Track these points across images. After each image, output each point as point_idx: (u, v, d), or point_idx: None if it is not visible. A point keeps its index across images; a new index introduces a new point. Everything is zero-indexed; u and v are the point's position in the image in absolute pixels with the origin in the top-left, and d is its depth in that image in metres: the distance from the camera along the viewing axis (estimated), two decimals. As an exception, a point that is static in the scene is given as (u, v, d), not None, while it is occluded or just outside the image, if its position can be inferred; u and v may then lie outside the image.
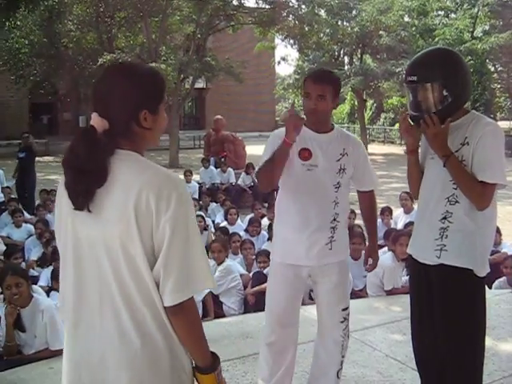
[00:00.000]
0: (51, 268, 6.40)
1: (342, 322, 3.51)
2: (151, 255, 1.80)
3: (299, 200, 3.38)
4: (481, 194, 2.79)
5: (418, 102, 2.90)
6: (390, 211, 9.55)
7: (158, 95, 1.96)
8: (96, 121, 1.86)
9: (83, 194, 1.81)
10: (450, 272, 2.87)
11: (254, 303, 6.23)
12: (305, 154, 3.36)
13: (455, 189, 2.86)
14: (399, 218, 9.47)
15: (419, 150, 3.12)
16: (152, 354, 1.82)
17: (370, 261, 3.78)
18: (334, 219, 3.42)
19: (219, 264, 6.45)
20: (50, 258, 6.91)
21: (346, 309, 3.54)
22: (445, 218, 2.90)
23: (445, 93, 2.81)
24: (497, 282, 6.71)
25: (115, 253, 1.80)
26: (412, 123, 2.99)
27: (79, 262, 1.88)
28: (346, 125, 41.74)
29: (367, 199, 3.70)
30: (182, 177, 12.98)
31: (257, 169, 3.51)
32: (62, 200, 1.91)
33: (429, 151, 3.01)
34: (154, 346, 1.82)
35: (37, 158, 14.04)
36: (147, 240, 1.79)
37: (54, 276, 5.54)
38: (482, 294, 2.93)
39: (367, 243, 4.03)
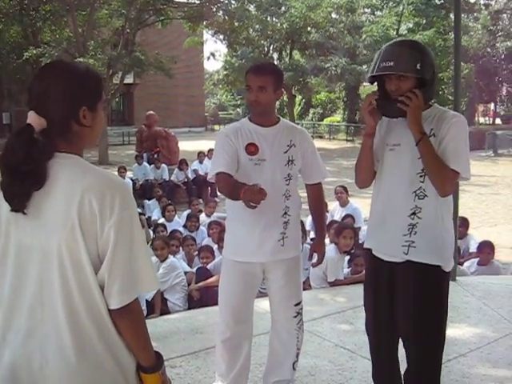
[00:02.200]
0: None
1: (295, 316, 3.54)
2: (96, 259, 1.77)
3: None
4: (449, 179, 2.77)
5: (389, 90, 2.86)
6: (326, 205, 9.70)
7: (97, 92, 1.94)
8: (33, 119, 1.81)
9: (19, 196, 1.76)
10: (417, 269, 2.83)
11: (198, 299, 6.22)
12: (251, 149, 3.35)
13: (422, 182, 2.81)
14: (335, 212, 9.64)
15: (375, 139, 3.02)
16: (95, 359, 1.79)
17: (315, 255, 3.77)
18: (286, 213, 3.42)
19: (162, 261, 6.40)
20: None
21: (299, 303, 3.55)
22: (414, 213, 2.84)
23: (417, 83, 2.78)
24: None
25: (60, 258, 1.75)
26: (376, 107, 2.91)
27: (20, 268, 1.83)
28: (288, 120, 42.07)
29: (316, 192, 3.70)
30: (116, 174, 12.83)
31: (216, 181, 3.42)
32: (1, 202, 1.84)
33: (387, 142, 2.96)
34: (96, 350, 1.79)
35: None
36: (92, 245, 1.76)
37: None
38: (447, 289, 2.93)
39: (311, 236, 4.02)
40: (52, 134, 1.81)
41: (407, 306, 2.88)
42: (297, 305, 3.54)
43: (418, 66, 2.75)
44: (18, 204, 1.76)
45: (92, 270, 1.76)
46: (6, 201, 1.79)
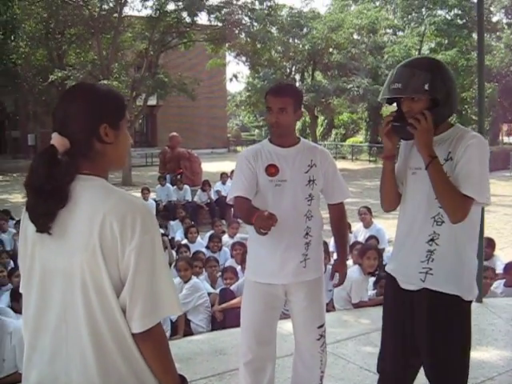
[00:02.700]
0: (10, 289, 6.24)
1: (318, 339, 3.50)
2: (118, 282, 1.78)
3: None
4: (460, 206, 2.61)
5: (402, 112, 2.78)
6: (349, 226, 9.63)
7: (119, 110, 1.96)
8: (57, 140, 1.84)
9: (43, 215, 1.78)
10: (434, 297, 2.72)
11: (221, 320, 6.19)
12: (271, 170, 3.35)
13: (440, 207, 2.69)
14: (359, 233, 9.57)
15: (396, 163, 2.98)
16: (118, 380, 1.80)
17: (337, 276, 3.74)
18: (307, 233, 3.40)
19: (186, 282, 6.39)
20: (7, 279, 6.73)
21: (322, 326, 3.52)
22: (432, 239, 2.73)
23: (430, 104, 2.68)
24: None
25: (81, 281, 1.76)
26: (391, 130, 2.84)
27: (44, 288, 1.84)
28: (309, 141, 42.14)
29: (338, 212, 3.66)
30: (139, 195, 12.90)
31: (235, 207, 3.45)
32: (27, 223, 1.87)
33: (409, 165, 2.87)
34: (121, 371, 1.80)
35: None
36: (113, 268, 1.76)
37: (13, 296, 5.40)
38: (469, 318, 2.79)
39: (334, 257, 3.99)
40: (75, 154, 1.84)
41: (424, 336, 2.78)
42: (320, 327, 3.50)
43: (427, 87, 2.64)
44: (43, 224, 1.78)
45: (113, 293, 1.76)
46: (32, 221, 1.81)
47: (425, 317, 2.76)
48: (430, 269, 2.73)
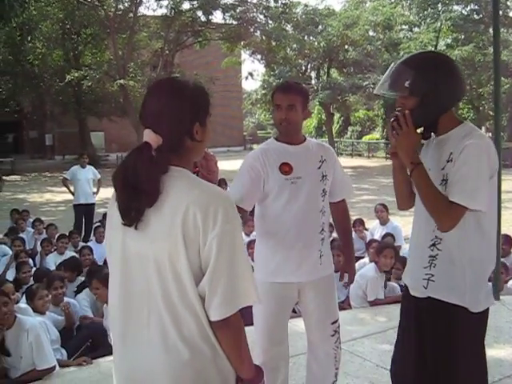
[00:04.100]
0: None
1: (332, 335, 3.48)
2: (198, 271, 1.81)
3: (288, 214, 3.32)
4: (445, 214, 2.46)
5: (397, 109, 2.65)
6: (362, 222, 9.60)
7: (207, 108, 1.99)
8: (151, 137, 1.87)
9: (135, 212, 1.82)
10: (438, 307, 2.57)
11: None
12: (285, 169, 3.32)
13: None
14: (375, 230, 9.51)
15: None
16: (199, 365, 1.83)
17: (346, 276, 3.71)
18: (322, 229, 3.40)
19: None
20: (25, 280, 6.76)
21: (336, 321, 3.50)
22: (434, 244, 2.59)
23: (415, 100, 2.54)
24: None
25: (163, 268, 1.81)
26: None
27: (128, 275, 1.90)
28: (313, 139, 42.09)
29: (342, 209, 3.64)
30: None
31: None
32: (113, 214, 1.93)
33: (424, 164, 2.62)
34: (201, 357, 1.83)
35: (3, 177, 13.80)
36: (194, 257, 1.80)
37: (29, 295, 5.44)
38: (479, 330, 2.61)
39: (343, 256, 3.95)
40: (166, 150, 1.87)
41: (428, 346, 2.65)
42: (334, 323, 3.48)
43: (407, 84, 2.54)
44: (134, 219, 1.83)
45: (192, 281, 1.79)
46: (122, 216, 1.85)
47: (429, 327, 2.64)
48: (432, 275, 2.60)
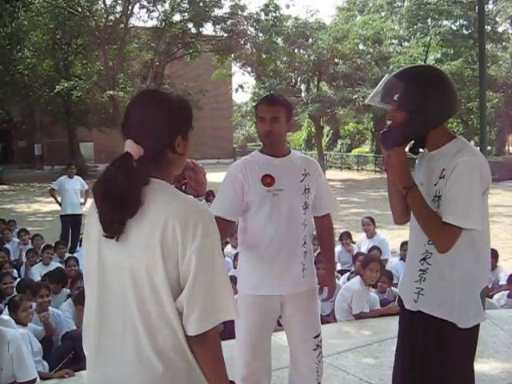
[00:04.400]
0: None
1: (314, 349, 3.46)
2: (176, 284, 1.80)
3: (270, 226, 3.33)
4: (440, 235, 2.45)
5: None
6: (349, 236, 9.60)
7: (189, 121, 2.00)
8: (132, 148, 1.87)
9: (117, 224, 1.81)
10: (429, 321, 2.57)
11: (222, 331, 6.17)
12: (268, 180, 3.33)
13: None
14: (362, 243, 9.52)
15: None
16: (173, 380, 1.82)
17: (326, 290, 3.73)
18: (305, 242, 3.39)
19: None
20: (7, 291, 6.68)
21: (318, 336, 3.48)
22: (424, 259, 2.59)
23: (402, 114, 2.53)
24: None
25: (140, 280, 1.80)
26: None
27: (104, 286, 1.89)
28: (303, 151, 42.15)
29: (326, 223, 3.64)
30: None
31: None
32: (92, 225, 1.92)
33: (416, 179, 2.63)
34: (175, 372, 1.82)
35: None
36: (172, 270, 1.79)
37: (12, 307, 5.37)
38: (468, 347, 2.60)
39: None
40: (147, 162, 1.87)
41: (419, 361, 2.64)
42: (316, 337, 3.47)
43: (395, 97, 2.54)
44: (115, 231, 1.82)
45: (170, 294, 1.78)
46: (104, 227, 1.83)
47: (419, 340, 2.63)
48: (422, 289, 2.61)
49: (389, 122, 2.65)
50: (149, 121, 1.90)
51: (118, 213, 1.80)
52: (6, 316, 5.25)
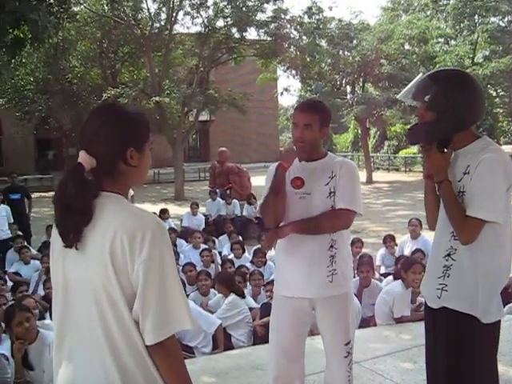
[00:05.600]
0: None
1: (345, 356, 3.43)
2: (131, 297, 1.82)
3: None
4: (464, 228, 2.55)
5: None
6: (393, 238, 9.49)
7: (144, 134, 2.02)
8: (84, 158, 1.91)
9: (73, 232, 1.85)
10: (452, 317, 2.63)
11: (263, 334, 6.18)
12: (297, 183, 3.38)
13: None
14: (406, 244, 9.39)
15: None
16: None
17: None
18: (332, 246, 3.35)
19: (226, 297, 6.47)
20: (49, 294, 6.84)
21: (349, 343, 3.44)
22: (449, 254, 2.66)
23: (430, 114, 2.64)
24: (507, 308, 6.65)
25: (99, 297, 1.84)
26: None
27: (67, 300, 1.93)
28: (349, 153, 41.91)
29: (334, 210, 3.34)
30: (189, 208, 12.93)
31: (258, 208, 3.55)
32: (56, 237, 1.96)
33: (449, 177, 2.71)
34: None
35: (42, 194, 14.03)
36: (126, 283, 1.82)
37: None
38: (490, 342, 2.65)
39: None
40: (100, 173, 1.92)
41: (443, 359, 2.66)
42: (347, 344, 3.44)
43: (426, 98, 2.64)
44: (73, 240, 1.86)
45: (126, 306, 1.82)
46: (61, 236, 1.88)
47: (443, 337, 2.66)
48: (446, 285, 2.67)
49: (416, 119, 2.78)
50: (98, 132, 1.93)
51: (71, 222, 1.84)
52: (47, 320, 5.37)
